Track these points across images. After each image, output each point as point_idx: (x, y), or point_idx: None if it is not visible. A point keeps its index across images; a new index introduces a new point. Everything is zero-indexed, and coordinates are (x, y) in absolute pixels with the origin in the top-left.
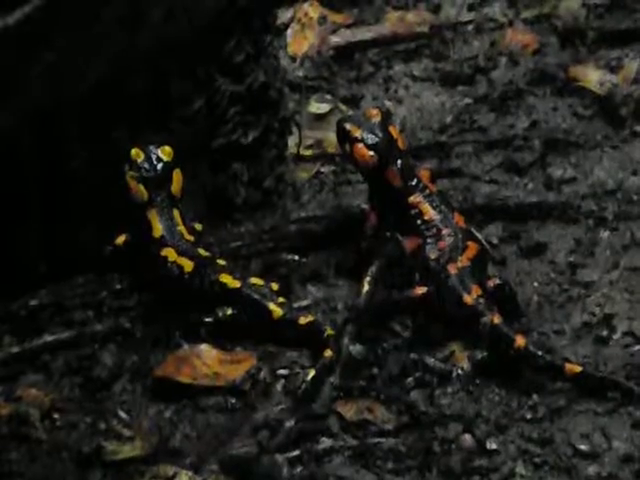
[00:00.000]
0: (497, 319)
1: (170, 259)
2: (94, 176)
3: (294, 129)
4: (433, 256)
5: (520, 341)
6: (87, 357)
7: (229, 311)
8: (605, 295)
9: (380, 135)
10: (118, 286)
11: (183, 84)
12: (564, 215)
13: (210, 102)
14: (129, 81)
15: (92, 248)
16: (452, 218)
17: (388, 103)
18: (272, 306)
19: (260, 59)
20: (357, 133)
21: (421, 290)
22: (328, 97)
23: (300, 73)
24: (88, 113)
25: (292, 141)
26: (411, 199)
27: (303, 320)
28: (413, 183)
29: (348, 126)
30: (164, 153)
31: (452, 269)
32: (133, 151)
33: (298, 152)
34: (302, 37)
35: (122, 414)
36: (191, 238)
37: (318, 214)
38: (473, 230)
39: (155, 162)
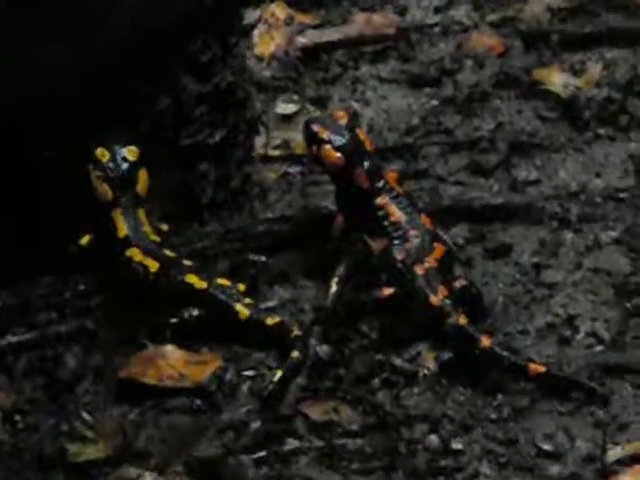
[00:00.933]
0: (463, 320)
1: (135, 259)
2: (59, 175)
3: (261, 129)
4: (400, 257)
5: (485, 342)
6: (50, 358)
7: (195, 312)
8: (569, 296)
9: (347, 137)
10: (82, 287)
11: (150, 83)
12: (528, 216)
13: (177, 102)
14: (95, 80)
15: (56, 248)
16: (419, 219)
17: (355, 104)
18: (239, 307)
19: (227, 59)
20: (324, 134)
21: (388, 291)
22: (295, 98)
23: (267, 73)
24: (53, 111)
25: (259, 141)
26: (378, 200)
27: (270, 321)
28: (380, 185)
29: (315, 127)
30: (130, 153)
31: (419, 270)
32: (98, 151)
33: (265, 152)
34: (269, 37)
35: (85, 416)
36: (157, 238)
37: (285, 215)
38: (439, 231)
39: (120, 162)
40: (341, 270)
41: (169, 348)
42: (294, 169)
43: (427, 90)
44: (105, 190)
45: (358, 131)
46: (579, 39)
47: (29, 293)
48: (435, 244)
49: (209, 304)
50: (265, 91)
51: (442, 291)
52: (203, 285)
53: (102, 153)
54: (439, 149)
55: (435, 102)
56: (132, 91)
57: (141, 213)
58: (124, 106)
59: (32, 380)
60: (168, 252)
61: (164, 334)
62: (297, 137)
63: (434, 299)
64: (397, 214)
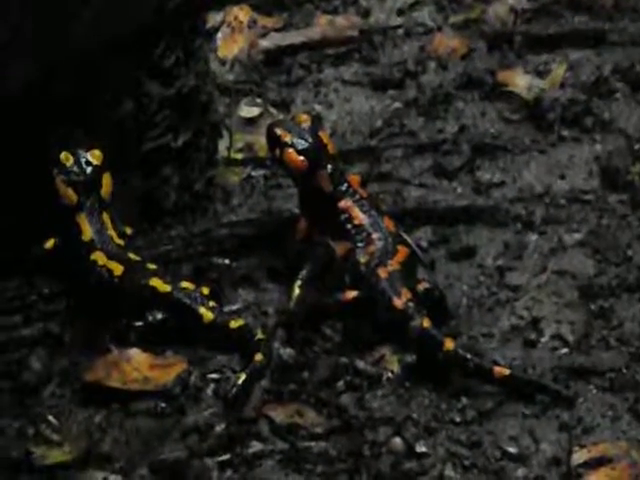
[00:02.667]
0: (426, 323)
1: (100, 263)
2: (23, 179)
3: (224, 133)
4: (363, 260)
5: (449, 344)
6: (15, 362)
7: (159, 315)
8: (533, 298)
9: (310, 140)
10: (47, 290)
11: (113, 87)
12: (493, 219)
13: (140, 106)
14: (58, 83)
15: (21, 252)
16: (382, 222)
17: (318, 107)
18: (203, 310)
19: (190, 63)
20: (287, 138)
21: (351, 294)
22: (258, 101)
23: (230, 77)
24: (17, 115)
25: (222, 145)
26: (341, 204)
27: (234, 324)
28: (343, 188)
29: (278, 131)
30: (93, 157)
31: (382, 273)
32: (62, 155)
33: (228, 156)
34: (232, 41)
35: (51, 419)
36: (121, 242)
37: (249, 218)
38: (403, 234)
39: (84, 166)
40: (304, 273)
41: (134, 351)
42: (257, 172)
43: (390, 92)
44: (69, 194)
45: (321, 134)
46: (543, 40)
47: None
48: (398, 247)
49: (173, 307)
50: (228, 94)
51: (405, 294)
52: (167, 288)
53: (66, 157)
54: (402, 151)
55: (398, 104)
56: (95, 95)
57: (105, 217)
58: (88, 110)
59: None
60: (132, 255)
61: (129, 337)
62: (260, 140)
63: (397, 302)
64: (360, 217)
